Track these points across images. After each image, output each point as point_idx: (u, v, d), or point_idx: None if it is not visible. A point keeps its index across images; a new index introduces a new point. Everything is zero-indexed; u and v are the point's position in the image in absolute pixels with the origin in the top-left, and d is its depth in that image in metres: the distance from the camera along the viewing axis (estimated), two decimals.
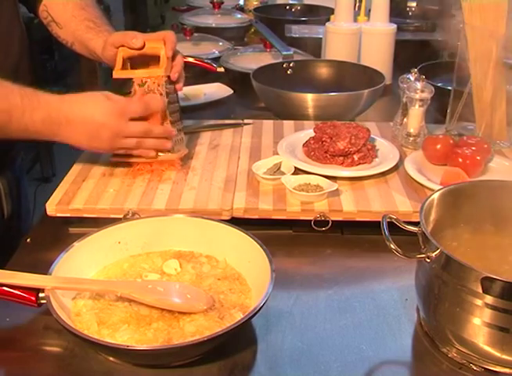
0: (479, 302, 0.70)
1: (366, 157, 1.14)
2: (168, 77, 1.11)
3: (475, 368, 0.75)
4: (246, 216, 1.01)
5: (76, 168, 1.13)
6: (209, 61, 1.69)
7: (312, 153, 1.16)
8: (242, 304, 0.80)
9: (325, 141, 1.15)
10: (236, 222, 0.93)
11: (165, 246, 0.90)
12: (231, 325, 0.71)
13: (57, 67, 3.61)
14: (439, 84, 1.41)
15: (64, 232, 1.02)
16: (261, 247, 0.82)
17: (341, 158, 1.14)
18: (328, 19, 1.73)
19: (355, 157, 1.14)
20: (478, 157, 1.09)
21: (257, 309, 0.73)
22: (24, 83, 1.01)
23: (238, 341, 0.77)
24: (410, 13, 2.19)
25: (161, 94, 1.10)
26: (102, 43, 1.15)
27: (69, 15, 1.22)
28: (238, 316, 0.76)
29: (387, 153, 1.18)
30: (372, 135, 1.18)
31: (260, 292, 0.77)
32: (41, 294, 0.76)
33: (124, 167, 1.13)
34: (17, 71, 1.14)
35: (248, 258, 0.84)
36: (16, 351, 0.78)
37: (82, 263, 0.84)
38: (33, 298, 0.76)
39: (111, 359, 0.75)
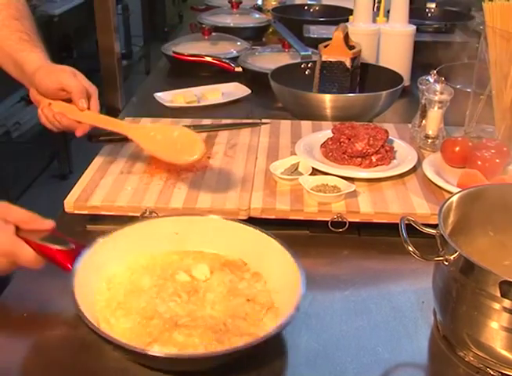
0: (497, 306, 0.69)
1: (384, 159, 1.14)
2: None
3: (492, 373, 0.74)
4: (264, 216, 1.01)
5: (94, 166, 1.14)
6: (227, 61, 1.70)
7: (330, 153, 1.16)
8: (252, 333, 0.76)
9: (343, 142, 1.14)
10: (252, 221, 0.93)
11: (215, 249, 0.88)
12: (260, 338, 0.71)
13: (76, 66, 3.63)
14: (458, 87, 1.40)
15: (82, 229, 1.02)
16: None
17: (359, 159, 1.13)
18: (347, 20, 1.72)
19: (373, 158, 1.13)
20: (497, 160, 1.08)
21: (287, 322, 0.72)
22: None
23: None
24: (429, 14, 2.17)
25: None
26: (34, 58, 1.10)
27: None
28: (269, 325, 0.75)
29: (405, 154, 1.17)
30: (390, 137, 1.18)
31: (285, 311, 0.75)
32: None
33: (142, 162, 1.13)
34: None
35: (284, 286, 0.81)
36: (32, 344, 0.79)
37: (132, 243, 0.86)
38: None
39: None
